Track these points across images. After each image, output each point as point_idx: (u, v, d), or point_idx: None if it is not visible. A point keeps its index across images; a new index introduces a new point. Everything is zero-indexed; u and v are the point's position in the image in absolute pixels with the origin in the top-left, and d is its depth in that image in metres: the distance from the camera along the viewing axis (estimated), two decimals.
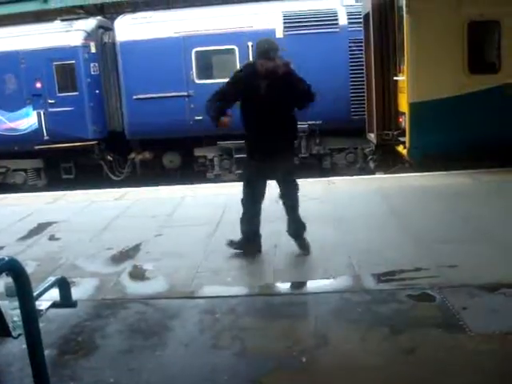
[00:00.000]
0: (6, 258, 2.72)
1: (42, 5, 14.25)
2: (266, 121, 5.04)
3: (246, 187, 5.38)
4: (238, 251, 5.49)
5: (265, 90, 4.99)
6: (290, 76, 5.06)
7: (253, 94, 5.02)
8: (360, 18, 11.17)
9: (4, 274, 2.71)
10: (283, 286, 4.83)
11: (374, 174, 10.88)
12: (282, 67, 5.01)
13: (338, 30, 11.85)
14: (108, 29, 12.97)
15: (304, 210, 6.97)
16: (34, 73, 12.26)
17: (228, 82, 5.16)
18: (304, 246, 5.44)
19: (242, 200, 5.39)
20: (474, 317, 3.91)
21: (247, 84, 5.07)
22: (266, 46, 5.07)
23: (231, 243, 5.54)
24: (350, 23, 11.80)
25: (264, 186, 5.35)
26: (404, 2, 8.95)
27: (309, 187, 8.59)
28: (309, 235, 5.91)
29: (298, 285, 4.87)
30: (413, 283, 4.62)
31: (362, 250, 5.47)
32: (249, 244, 5.47)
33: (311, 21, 11.85)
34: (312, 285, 4.82)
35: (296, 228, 5.46)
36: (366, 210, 7.11)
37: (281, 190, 5.40)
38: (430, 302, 4.26)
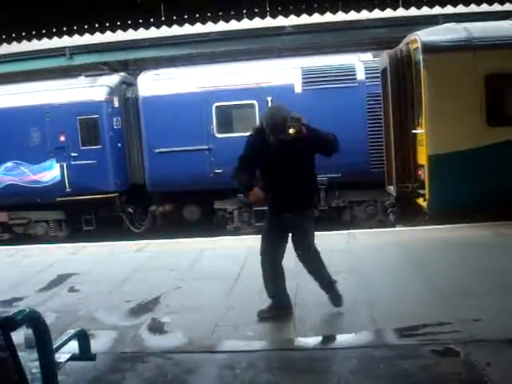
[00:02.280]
0: (27, 310, 2.73)
1: (68, 61, 14.71)
2: (281, 183, 4.99)
3: (263, 245, 5.24)
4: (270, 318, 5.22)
5: (277, 158, 4.90)
6: (305, 139, 4.82)
7: (267, 157, 4.97)
8: (377, 73, 11.34)
9: (24, 325, 2.71)
10: (304, 341, 4.76)
11: (394, 226, 10.81)
12: (295, 136, 4.78)
13: (356, 84, 12.03)
14: (131, 84, 13.31)
15: (325, 262, 6.95)
16: (59, 126, 12.55)
17: (245, 148, 5.10)
18: (334, 299, 5.24)
19: (261, 259, 5.24)
20: (499, 373, 3.81)
21: (260, 148, 4.99)
22: (276, 120, 4.80)
23: (261, 313, 5.25)
24: (367, 78, 11.98)
25: (281, 244, 5.19)
26: (421, 57, 9.10)
27: (329, 240, 8.55)
28: None
29: (320, 340, 4.79)
30: (436, 338, 4.53)
31: (384, 304, 5.39)
32: (279, 306, 5.25)
33: (330, 76, 12.05)
34: (334, 340, 4.75)
35: (322, 284, 5.28)
36: (387, 263, 7.05)
37: (297, 253, 5.21)
38: (453, 358, 4.17)
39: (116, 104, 12.85)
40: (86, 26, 6.77)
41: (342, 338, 4.75)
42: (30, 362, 2.82)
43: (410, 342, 4.53)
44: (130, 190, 13.12)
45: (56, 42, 9.52)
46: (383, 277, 6.37)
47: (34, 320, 2.74)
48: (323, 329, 4.95)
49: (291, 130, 4.74)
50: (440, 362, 4.12)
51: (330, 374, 4.11)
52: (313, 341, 4.77)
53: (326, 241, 8.48)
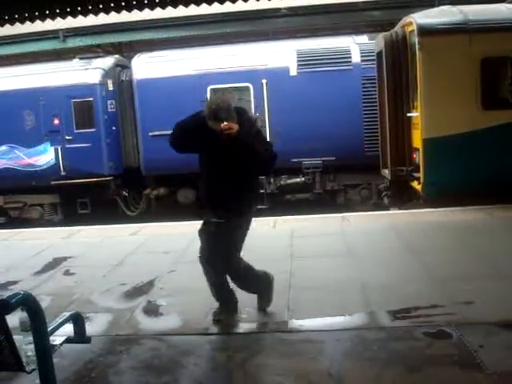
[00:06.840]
0: (22, 293, 2.75)
1: (61, 43, 14.62)
2: (214, 177, 4.65)
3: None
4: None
5: (212, 148, 4.55)
6: (241, 139, 4.38)
7: (204, 146, 4.61)
8: (373, 56, 11.30)
9: (19, 308, 2.72)
10: (298, 323, 4.79)
11: (388, 209, 10.84)
12: (234, 129, 4.37)
13: (351, 67, 11.97)
14: (125, 67, 13.20)
15: (319, 246, 7.00)
16: (53, 110, 12.45)
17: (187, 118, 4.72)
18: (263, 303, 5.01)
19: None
20: (491, 355, 3.85)
21: (200, 134, 4.53)
22: (214, 107, 4.42)
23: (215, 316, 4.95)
24: (363, 60, 11.92)
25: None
26: (416, 40, 9.07)
27: (323, 223, 8.61)
28: (324, 271, 5.90)
29: (313, 322, 4.81)
30: (429, 320, 4.57)
31: (377, 287, 5.43)
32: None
33: (325, 58, 11.98)
34: (327, 322, 4.77)
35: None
36: (381, 245, 7.08)
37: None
38: (446, 340, 4.21)
39: (110, 87, 12.76)
40: (79, 8, 6.69)
41: (336, 320, 4.78)
42: (25, 344, 2.85)
43: (402, 324, 4.57)
44: (124, 173, 13.08)
45: (49, 25, 9.44)
46: (377, 260, 6.40)
47: (28, 303, 2.76)
48: (317, 311, 4.97)
49: (222, 125, 4.35)
50: (433, 344, 4.16)
51: (323, 355, 4.13)
52: (306, 323, 4.79)
53: (320, 224, 8.56)
